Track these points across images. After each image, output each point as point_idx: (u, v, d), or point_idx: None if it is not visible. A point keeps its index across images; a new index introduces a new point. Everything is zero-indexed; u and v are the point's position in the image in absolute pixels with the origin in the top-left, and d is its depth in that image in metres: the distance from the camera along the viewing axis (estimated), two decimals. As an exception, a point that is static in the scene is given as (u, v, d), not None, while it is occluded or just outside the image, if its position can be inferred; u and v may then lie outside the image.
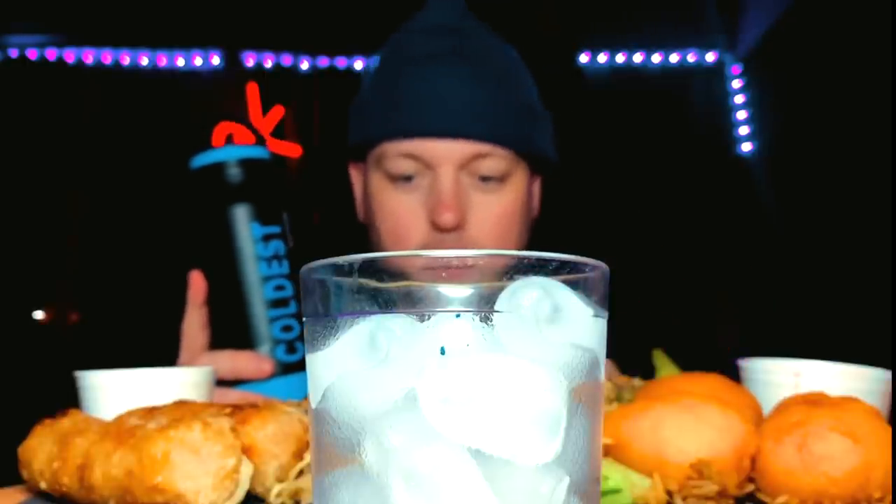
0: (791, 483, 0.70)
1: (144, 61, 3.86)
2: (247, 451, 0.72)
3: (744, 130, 3.89)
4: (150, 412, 0.75)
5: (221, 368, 1.07)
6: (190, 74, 3.87)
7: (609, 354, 0.46)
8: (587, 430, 0.43)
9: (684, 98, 3.91)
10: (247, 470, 0.69)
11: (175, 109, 3.73)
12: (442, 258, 0.42)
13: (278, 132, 3.84)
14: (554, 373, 0.41)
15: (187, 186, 1.14)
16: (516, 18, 3.59)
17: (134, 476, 0.67)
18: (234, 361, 1.08)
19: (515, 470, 0.40)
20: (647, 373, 1.07)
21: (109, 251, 3.68)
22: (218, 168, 1.11)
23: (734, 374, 0.93)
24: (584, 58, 3.98)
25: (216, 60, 3.88)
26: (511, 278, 0.42)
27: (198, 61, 3.87)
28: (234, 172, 1.11)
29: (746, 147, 3.87)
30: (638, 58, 3.98)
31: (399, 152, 1.25)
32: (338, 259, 0.43)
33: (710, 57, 4.00)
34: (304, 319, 0.45)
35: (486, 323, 0.41)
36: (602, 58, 3.98)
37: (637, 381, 0.97)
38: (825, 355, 0.91)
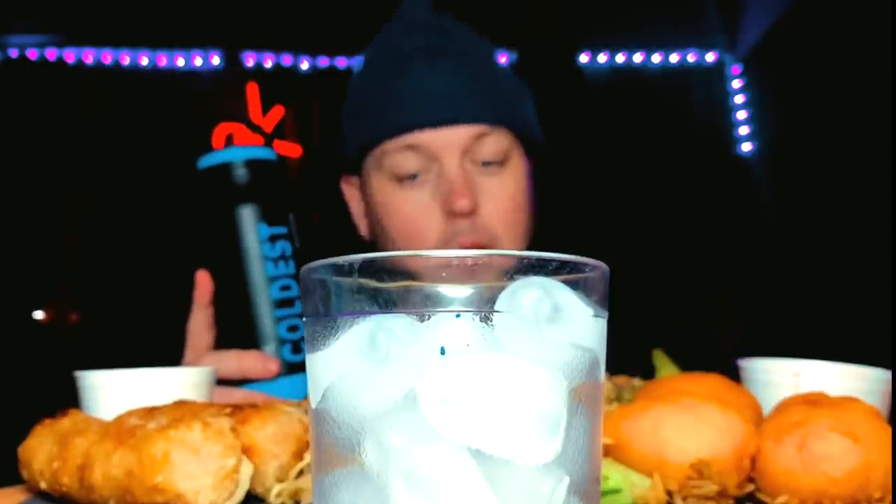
0: (791, 483, 0.70)
1: (144, 61, 3.86)
2: (247, 451, 0.72)
3: (744, 130, 3.89)
4: (150, 412, 0.75)
5: (228, 368, 1.07)
6: (190, 74, 3.87)
7: (609, 354, 0.46)
8: (587, 430, 0.43)
9: (684, 98, 3.91)
10: (247, 470, 0.69)
11: (175, 109, 3.74)
12: (442, 258, 0.42)
13: (278, 132, 3.84)
14: (554, 373, 0.41)
15: (194, 187, 1.14)
16: (516, 19, 3.60)
17: (134, 476, 0.67)
18: (241, 361, 1.08)
19: (515, 470, 0.40)
20: (647, 373, 1.07)
21: (109, 251, 3.68)
22: (225, 169, 1.11)
23: (734, 374, 0.93)
24: (584, 58, 3.98)
25: (216, 60, 3.88)
26: (511, 278, 0.42)
27: (198, 61, 3.87)
28: (241, 173, 1.11)
29: (746, 147, 3.87)
30: (638, 58, 3.98)
31: (400, 147, 1.26)
32: (338, 259, 0.43)
33: (710, 57, 4.00)
34: (304, 319, 0.45)
35: (486, 323, 0.41)
36: (602, 58, 3.98)
37: (637, 381, 0.97)
38: (825, 355, 0.91)
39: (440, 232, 1.26)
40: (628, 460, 0.73)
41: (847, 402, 0.75)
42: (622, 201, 3.64)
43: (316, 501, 0.44)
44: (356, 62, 3.87)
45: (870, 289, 2.82)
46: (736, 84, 3.94)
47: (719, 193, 3.73)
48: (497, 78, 1.32)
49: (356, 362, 0.42)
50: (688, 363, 1.07)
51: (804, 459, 0.70)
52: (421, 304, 0.41)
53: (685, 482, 0.70)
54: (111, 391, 0.92)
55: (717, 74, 3.99)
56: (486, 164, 1.27)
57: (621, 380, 0.97)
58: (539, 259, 0.42)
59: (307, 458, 0.75)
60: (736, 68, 3.95)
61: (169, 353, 1.15)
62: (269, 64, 3.90)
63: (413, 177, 1.27)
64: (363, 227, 1.41)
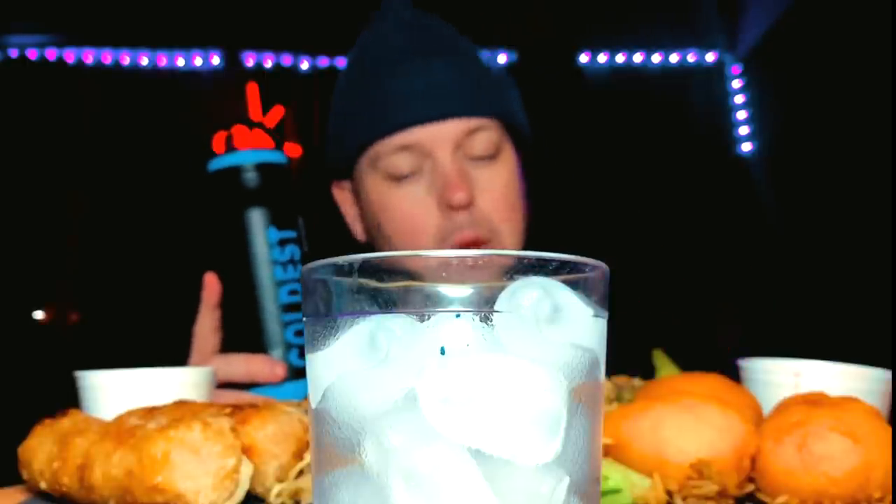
0: (791, 483, 0.70)
1: (144, 61, 3.86)
2: (247, 451, 0.72)
3: (744, 130, 3.89)
4: (150, 412, 0.75)
5: (235, 372, 1.06)
6: (190, 74, 3.87)
7: (609, 354, 0.46)
8: (587, 430, 0.43)
9: (684, 98, 3.91)
10: (247, 470, 0.69)
11: (175, 109, 3.74)
12: (442, 258, 0.42)
13: (278, 132, 3.84)
14: (554, 373, 0.41)
15: (203, 189, 1.14)
16: (516, 19, 3.60)
17: (134, 476, 0.67)
18: (248, 365, 1.08)
19: (515, 470, 0.40)
20: (647, 373, 1.07)
21: (109, 251, 3.68)
22: (235, 172, 1.11)
23: (734, 374, 0.93)
24: (584, 58, 3.98)
25: (216, 60, 3.88)
26: (511, 278, 0.42)
27: (198, 61, 3.87)
28: (251, 176, 1.11)
29: (746, 147, 3.87)
30: (638, 58, 3.98)
31: (394, 147, 1.26)
32: (338, 259, 0.43)
33: (710, 57, 4.00)
34: (304, 319, 0.45)
35: (486, 323, 0.41)
36: (602, 58, 3.98)
37: (637, 381, 0.97)
38: (825, 355, 0.91)
39: (438, 227, 1.26)
40: (628, 460, 0.73)
41: (847, 402, 0.75)
42: (622, 201, 3.63)
43: (316, 501, 0.44)
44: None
45: (870, 289, 2.82)
46: (736, 84, 3.94)
47: (719, 193, 3.72)
48: (483, 72, 1.33)
49: (356, 362, 0.42)
50: (688, 363, 1.07)
51: (804, 459, 0.70)
52: (421, 304, 0.41)
53: (685, 482, 0.70)
54: (111, 391, 0.92)
55: (717, 74, 3.99)
56: (478, 157, 1.28)
57: (621, 380, 0.97)
58: (539, 259, 0.42)
59: (307, 458, 0.75)
60: (736, 68, 3.95)
61: (175, 355, 1.15)
62: (269, 64, 3.90)
63: (408, 175, 1.27)
64: (358, 231, 1.41)
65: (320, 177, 1.49)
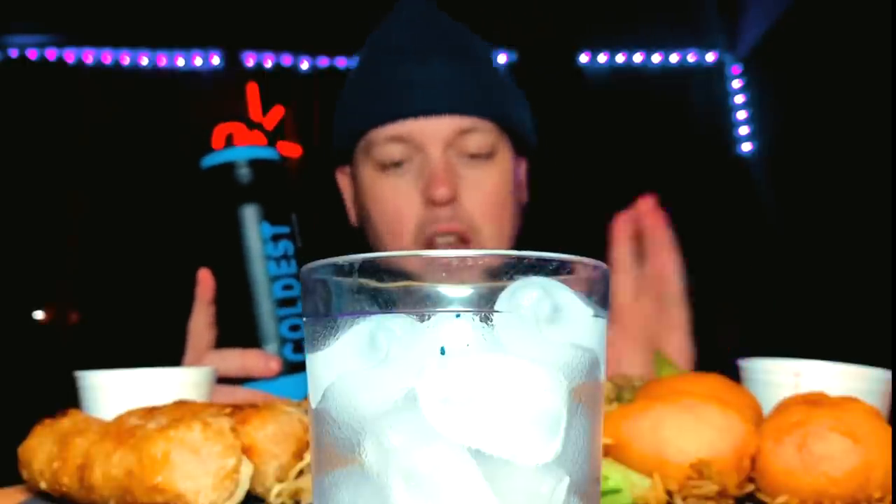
0: (791, 483, 0.70)
1: (144, 61, 3.86)
2: (247, 451, 0.72)
3: (744, 130, 3.89)
4: (150, 412, 0.75)
5: (230, 366, 1.07)
6: (190, 74, 3.87)
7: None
8: (587, 430, 0.43)
9: (684, 98, 3.91)
10: (247, 470, 0.69)
11: (175, 109, 3.73)
12: (442, 258, 0.42)
13: (278, 132, 3.84)
14: (554, 373, 0.41)
15: (197, 186, 1.14)
16: (516, 19, 3.59)
17: (134, 476, 0.67)
18: (243, 360, 1.08)
19: (515, 470, 0.40)
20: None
21: (109, 251, 3.68)
22: (228, 168, 1.12)
23: (734, 374, 0.93)
24: (584, 58, 3.98)
25: (216, 60, 3.88)
26: (511, 278, 0.42)
27: (198, 61, 3.87)
28: (244, 173, 1.12)
29: (746, 147, 3.87)
30: (638, 58, 3.98)
31: (387, 137, 1.28)
32: (338, 259, 0.43)
33: (710, 57, 4.00)
34: (304, 319, 0.45)
35: (486, 323, 0.41)
36: (602, 58, 3.98)
37: (637, 381, 0.97)
38: (825, 355, 0.91)
39: (419, 218, 1.27)
40: (628, 460, 0.73)
41: (847, 402, 0.75)
42: (622, 201, 3.63)
43: (316, 501, 0.44)
44: (356, 62, 3.87)
45: (870, 289, 2.82)
46: (736, 84, 3.94)
47: (719, 193, 3.72)
48: (488, 74, 1.34)
49: (356, 362, 0.42)
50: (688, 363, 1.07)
51: (804, 459, 0.70)
52: (421, 304, 0.41)
53: (685, 482, 0.70)
54: (111, 391, 0.92)
55: (717, 74, 3.99)
56: (470, 157, 1.28)
57: (621, 380, 0.97)
58: (539, 259, 0.42)
59: (307, 458, 0.75)
60: (736, 68, 3.95)
61: (170, 351, 1.15)
62: (269, 64, 3.90)
63: (398, 164, 1.29)
64: (353, 216, 1.44)
65: (324, 170, 1.50)
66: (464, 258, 0.41)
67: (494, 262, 0.42)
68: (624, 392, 0.92)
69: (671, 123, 3.75)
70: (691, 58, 4.00)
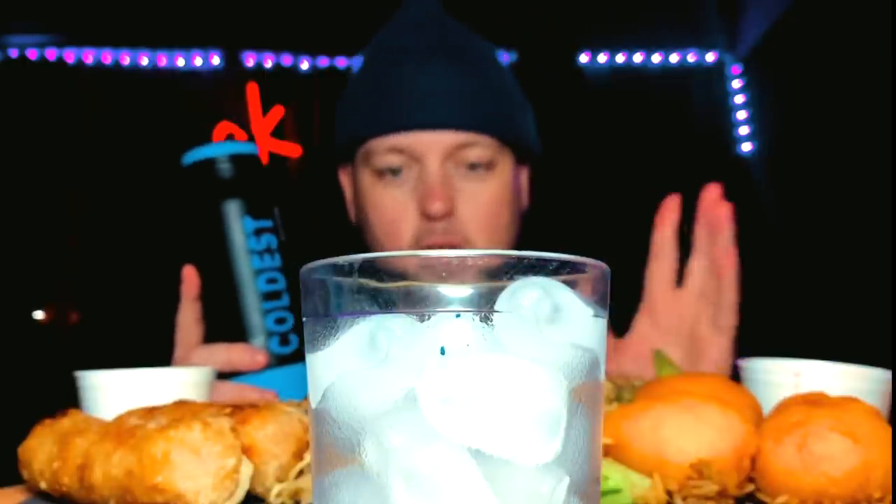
0: (791, 483, 0.70)
1: (144, 61, 3.86)
2: (247, 451, 0.72)
3: (744, 130, 3.89)
4: (150, 412, 0.75)
5: (217, 361, 1.08)
6: (190, 74, 3.87)
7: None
8: (587, 430, 0.43)
9: (684, 98, 3.91)
10: (247, 470, 0.69)
11: (175, 110, 3.73)
12: (442, 258, 0.42)
13: (278, 132, 3.84)
14: (554, 373, 0.41)
15: (179, 182, 1.15)
16: (516, 19, 3.59)
17: (134, 476, 0.67)
18: (229, 354, 1.09)
19: (515, 470, 0.40)
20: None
21: (109, 251, 3.68)
22: (208, 164, 1.13)
23: (734, 374, 0.93)
24: (584, 58, 3.97)
25: (216, 60, 3.88)
26: (511, 278, 0.42)
27: (198, 61, 3.87)
28: (225, 168, 1.13)
29: (746, 147, 3.87)
30: (638, 58, 3.98)
31: (386, 147, 1.28)
32: (338, 259, 0.43)
33: (710, 57, 4.00)
34: (304, 319, 0.45)
35: (486, 323, 0.41)
36: (602, 58, 3.98)
37: (637, 381, 0.97)
38: (825, 355, 0.91)
39: (415, 229, 1.28)
40: (628, 460, 0.73)
41: (847, 402, 0.75)
42: (622, 201, 3.63)
43: (316, 501, 0.44)
44: (356, 62, 3.87)
45: (870, 289, 2.82)
46: (736, 84, 3.94)
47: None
48: (491, 82, 1.33)
49: (356, 362, 0.42)
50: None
51: (804, 459, 0.70)
52: (421, 304, 0.41)
53: (685, 482, 0.70)
54: (111, 391, 0.92)
55: (717, 74, 3.99)
56: (471, 167, 1.29)
57: (621, 380, 0.97)
58: (539, 259, 0.42)
59: (307, 458, 0.75)
60: (736, 68, 3.95)
61: (160, 349, 1.15)
62: (269, 64, 3.90)
63: (396, 172, 1.29)
64: (352, 214, 1.45)
65: (324, 169, 1.51)
66: (464, 258, 0.41)
67: (494, 262, 0.42)
68: (624, 392, 0.92)
69: (671, 123, 3.75)
70: (691, 58, 4.00)
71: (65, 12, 3.68)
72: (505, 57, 3.72)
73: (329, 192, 1.48)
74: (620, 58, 3.98)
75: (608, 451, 0.74)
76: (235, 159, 1.13)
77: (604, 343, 0.45)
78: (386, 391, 0.41)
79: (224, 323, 1.13)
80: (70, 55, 3.83)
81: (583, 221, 3.40)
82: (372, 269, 0.42)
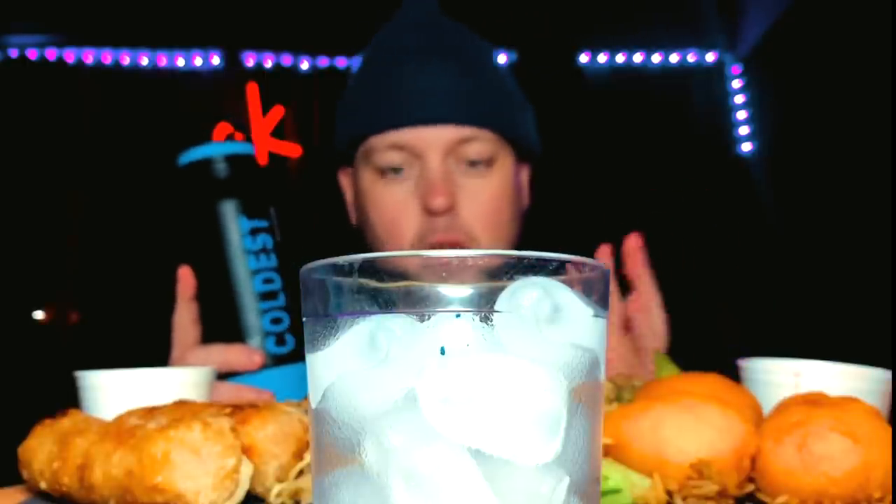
0: (791, 483, 0.70)
1: (144, 61, 3.86)
2: (247, 451, 0.72)
3: (744, 130, 3.89)
4: (150, 412, 0.75)
5: (213, 361, 1.08)
6: (190, 74, 3.87)
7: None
8: (587, 430, 0.43)
9: (684, 98, 3.91)
10: (247, 470, 0.69)
11: (175, 110, 3.73)
12: (442, 258, 0.42)
13: (278, 132, 3.83)
14: (554, 373, 0.41)
15: (175, 182, 1.15)
16: (516, 19, 3.59)
17: (134, 476, 0.67)
18: (226, 354, 1.09)
19: (515, 470, 0.40)
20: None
21: (109, 251, 3.67)
22: (205, 164, 1.13)
23: (734, 374, 0.93)
24: (584, 58, 3.97)
25: (216, 60, 3.88)
26: (511, 278, 0.42)
27: (198, 61, 3.87)
28: (221, 168, 1.13)
29: (746, 147, 3.87)
30: (638, 58, 3.98)
31: (386, 144, 1.29)
32: (338, 259, 0.43)
33: (710, 57, 3.99)
34: (304, 319, 0.45)
35: (486, 323, 0.41)
36: (602, 58, 3.98)
37: (637, 381, 0.97)
38: (825, 355, 0.91)
39: (417, 227, 1.28)
40: (628, 460, 0.73)
41: (847, 402, 0.75)
42: (622, 201, 3.63)
43: (316, 501, 0.44)
44: (356, 62, 3.86)
45: (870, 289, 2.82)
46: (736, 84, 3.94)
47: (719, 193, 3.72)
48: (490, 80, 1.33)
49: (356, 362, 0.42)
50: (688, 363, 1.07)
51: (804, 459, 0.70)
52: (421, 304, 0.41)
53: (685, 482, 0.70)
54: (111, 391, 0.92)
55: (717, 74, 3.99)
56: (471, 163, 1.29)
57: (621, 380, 0.98)
58: (539, 259, 0.42)
59: (307, 458, 0.75)
60: (736, 68, 3.95)
61: (159, 349, 1.16)
62: (269, 64, 3.90)
63: (397, 170, 1.29)
64: (352, 215, 1.45)
65: (324, 169, 1.51)
66: (464, 258, 0.41)
67: (494, 262, 0.42)
68: (624, 392, 0.92)
69: (671, 123, 3.75)
70: (691, 58, 4.00)
71: (65, 12, 3.68)
72: (505, 57, 3.72)
73: (329, 192, 1.48)
74: (620, 58, 3.98)
75: (608, 451, 0.74)
76: (231, 159, 1.13)
77: (604, 343, 0.45)
78: (386, 391, 0.41)
79: (220, 323, 1.13)
80: (70, 55, 3.83)
81: (583, 221, 3.40)
82: (372, 269, 0.42)
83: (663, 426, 0.72)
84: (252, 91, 3.85)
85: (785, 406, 0.78)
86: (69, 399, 0.93)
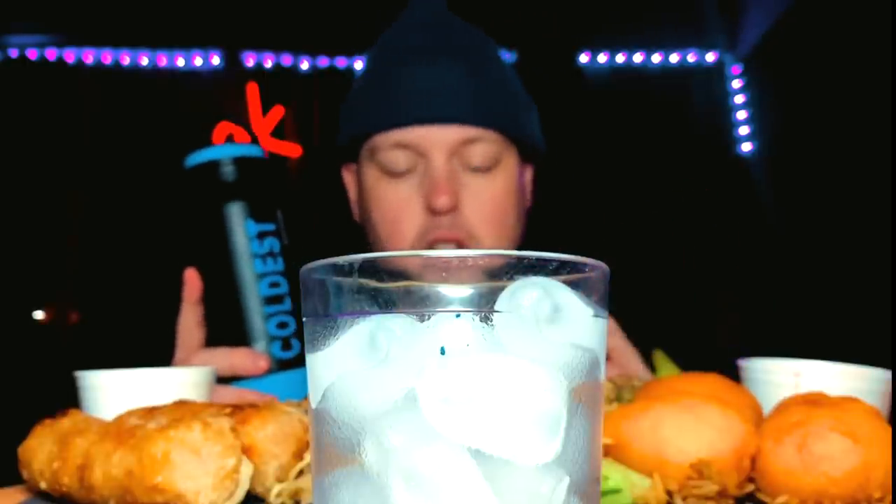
0: (791, 483, 0.70)
1: (144, 61, 3.86)
2: (247, 451, 0.72)
3: (744, 130, 3.89)
4: (150, 412, 0.75)
5: (218, 365, 1.07)
6: (190, 74, 3.87)
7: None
8: (587, 430, 0.43)
9: (684, 98, 3.91)
10: (247, 470, 0.69)
11: (175, 110, 3.73)
12: (442, 258, 0.42)
13: (278, 132, 3.84)
14: (554, 373, 0.41)
15: (182, 185, 1.14)
16: (516, 19, 3.59)
17: (134, 476, 0.67)
18: (231, 358, 1.08)
19: (515, 470, 0.40)
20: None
21: (109, 251, 3.68)
22: (212, 166, 1.12)
23: (734, 374, 0.93)
24: (584, 58, 3.98)
25: (216, 60, 3.88)
26: (511, 278, 0.42)
27: (198, 61, 3.87)
28: (229, 170, 1.12)
29: (746, 147, 3.87)
30: (638, 58, 3.98)
31: (391, 143, 1.28)
32: (338, 259, 0.43)
33: (710, 57, 3.99)
34: (304, 319, 0.45)
35: (486, 323, 0.41)
36: (602, 58, 3.98)
37: (637, 381, 0.97)
38: (825, 355, 0.91)
39: (420, 225, 1.28)
40: (628, 460, 0.73)
41: (847, 402, 0.75)
42: (622, 201, 3.63)
43: (316, 501, 0.44)
44: (356, 62, 3.87)
45: (870, 289, 2.82)
46: (736, 84, 3.94)
47: (719, 193, 3.72)
48: (496, 80, 1.33)
49: (356, 362, 0.42)
50: (688, 363, 1.07)
51: (804, 459, 0.70)
52: (421, 304, 0.41)
53: (685, 482, 0.70)
54: (111, 391, 0.92)
55: (717, 74, 3.99)
56: (474, 166, 1.29)
57: (621, 380, 0.98)
58: (539, 259, 0.42)
59: (307, 458, 0.75)
60: (736, 68, 3.95)
61: (162, 351, 1.15)
62: (269, 64, 3.90)
63: (401, 170, 1.29)
64: (355, 213, 1.45)
65: (324, 169, 1.51)
66: (464, 258, 0.41)
67: (494, 262, 0.42)
68: (624, 392, 0.92)
69: (671, 123, 3.75)
70: (691, 58, 4.00)
71: (65, 12, 3.68)
72: (506, 56, 3.72)
73: (329, 192, 1.48)
74: (620, 58, 3.98)
75: (608, 451, 0.74)
76: (239, 162, 1.12)
77: (604, 343, 0.45)
78: (386, 391, 0.41)
79: (226, 327, 1.12)
80: (70, 55, 3.83)
81: (583, 221, 3.40)
82: (372, 269, 0.42)
83: (663, 426, 0.72)
84: (252, 91, 3.85)
85: (785, 406, 0.78)
86: (69, 399, 0.93)
